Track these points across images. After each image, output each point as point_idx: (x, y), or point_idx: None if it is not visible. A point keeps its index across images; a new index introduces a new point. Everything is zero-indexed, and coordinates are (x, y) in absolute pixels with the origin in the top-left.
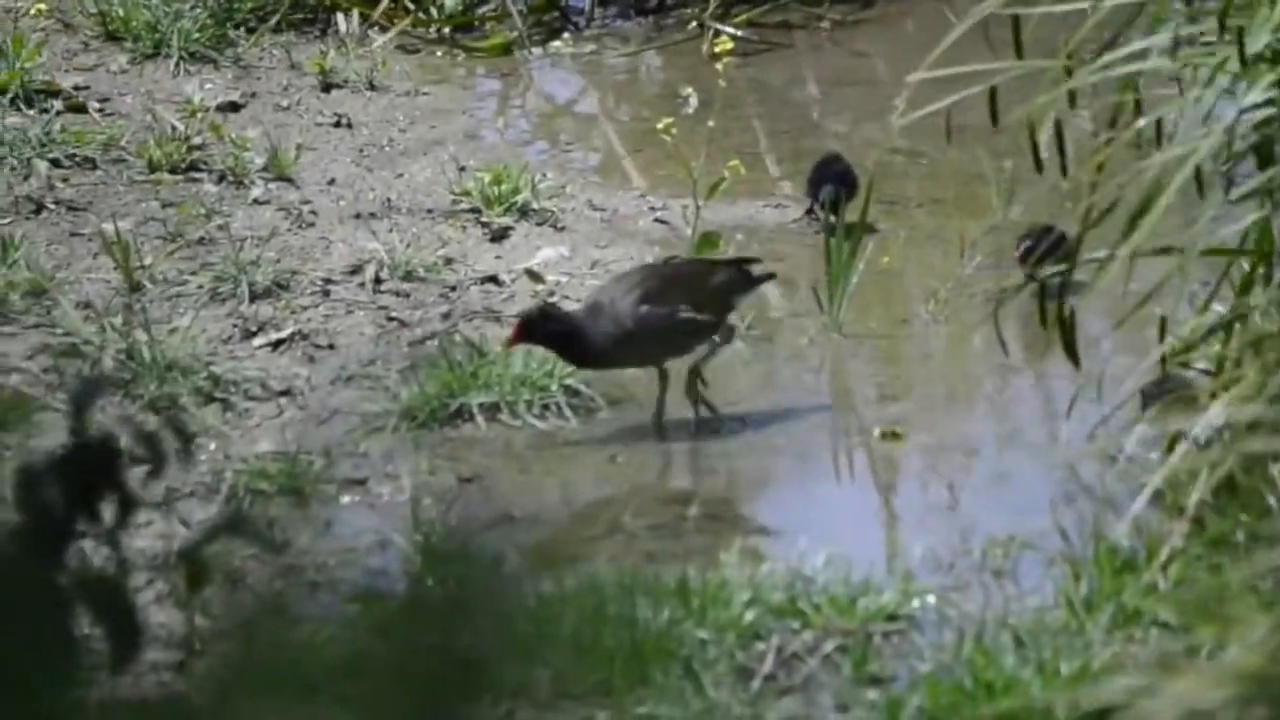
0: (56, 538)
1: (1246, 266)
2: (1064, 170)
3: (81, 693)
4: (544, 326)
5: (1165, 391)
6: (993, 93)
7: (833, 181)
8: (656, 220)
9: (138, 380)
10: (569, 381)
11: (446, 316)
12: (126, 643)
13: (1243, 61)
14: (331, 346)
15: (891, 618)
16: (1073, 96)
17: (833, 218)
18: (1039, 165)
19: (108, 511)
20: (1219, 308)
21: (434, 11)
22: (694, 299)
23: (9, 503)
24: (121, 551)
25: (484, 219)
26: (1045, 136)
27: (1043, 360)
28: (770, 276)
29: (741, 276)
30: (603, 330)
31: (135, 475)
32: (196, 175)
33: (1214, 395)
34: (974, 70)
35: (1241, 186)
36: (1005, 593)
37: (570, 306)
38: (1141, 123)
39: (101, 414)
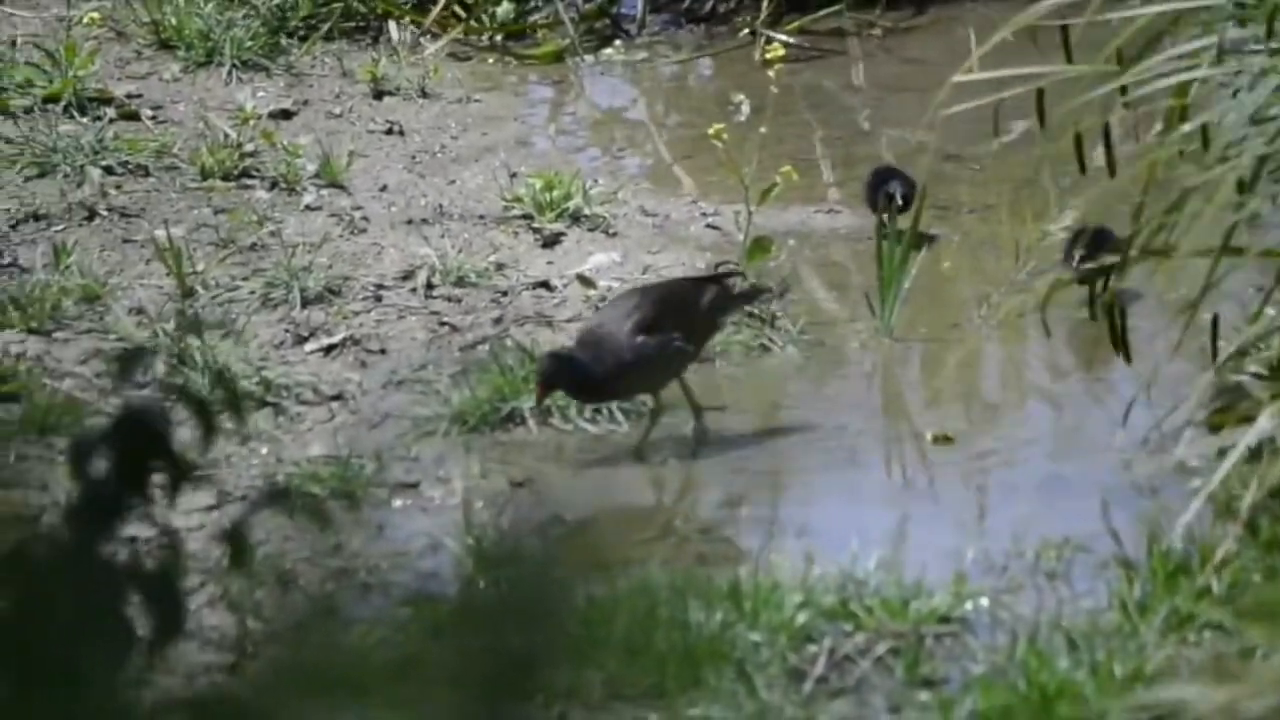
0: (108, 512)
1: None
2: (1111, 172)
3: (133, 683)
4: (564, 376)
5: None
6: (1039, 94)
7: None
8: (708, 226)
9: (189, 385)
10: None
11: (498, 321)
12: (170, 619)
13: None
14: (383, 351)
15: (944, 620)
16: (1122, 94)
17: (890, 216)
18: (1083, 168)
19: (158, 483)
20: (1272, 311)
21: (486, 19)
22: (686, 322)
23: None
24: (171, 527)
25: (536, 225)
26: (1093, 140)
27: (1095, 364)
28: (761, 291)
29: (726, 294)
30: (604, 364)
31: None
32: (249, 182)
33: (1271, 399)
34: (1022, 73)
35: None
36: (1058, 595)
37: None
38: (1188, 127)
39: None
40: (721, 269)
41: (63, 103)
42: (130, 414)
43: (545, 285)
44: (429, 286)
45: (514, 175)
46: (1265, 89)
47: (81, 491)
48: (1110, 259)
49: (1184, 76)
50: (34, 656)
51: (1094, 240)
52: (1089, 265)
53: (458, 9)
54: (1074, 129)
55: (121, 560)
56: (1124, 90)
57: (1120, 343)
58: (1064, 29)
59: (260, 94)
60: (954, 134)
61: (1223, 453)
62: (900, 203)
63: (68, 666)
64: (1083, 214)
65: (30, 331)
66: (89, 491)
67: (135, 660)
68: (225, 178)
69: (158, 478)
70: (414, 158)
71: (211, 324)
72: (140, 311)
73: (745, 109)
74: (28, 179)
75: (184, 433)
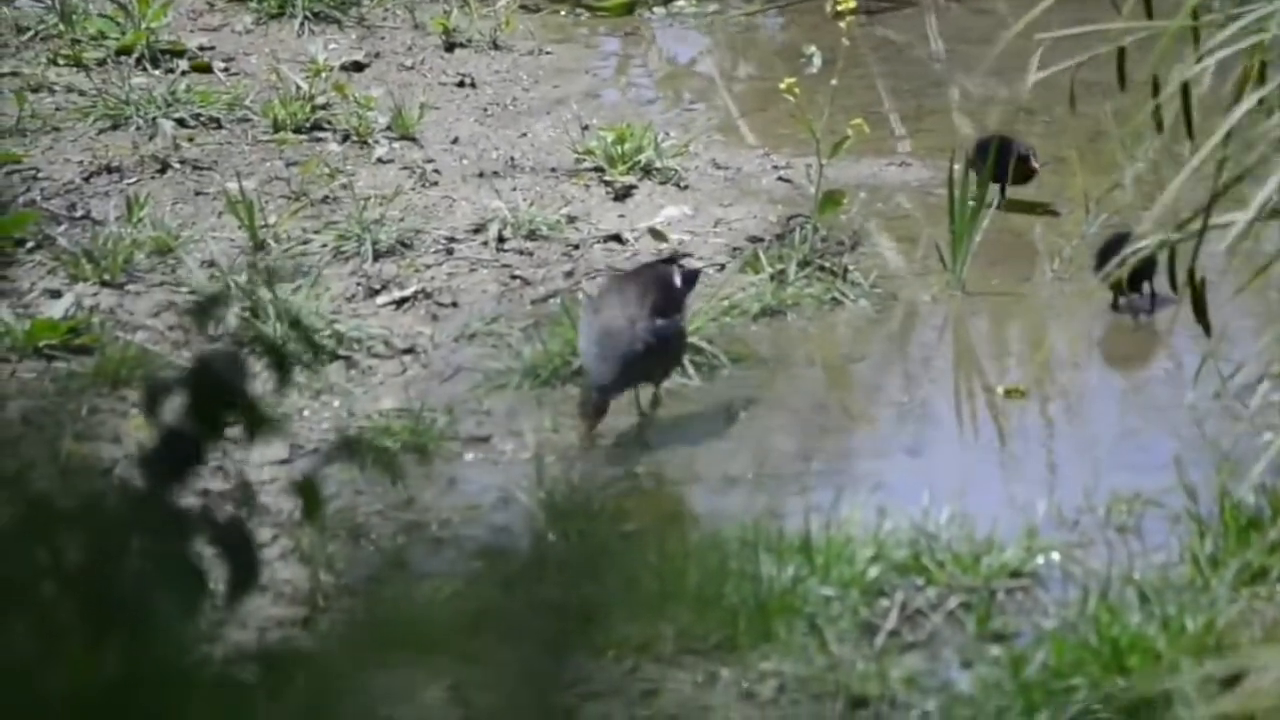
0: (183, 460)
1: None
2: (1189, 132)
3: (204, 635)
4: (605, 401)
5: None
6: (1120, 53)
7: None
8: (780, 179)
9: (262, 338)
10: (692, 339)
11: (569, 274)
12: (245, 571)
13: None
14: (455, 304)
15: (1015, 574)
16: (1198, 51)
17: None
18: (1160, 126)
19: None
20: None
21: None
22: (676, 304)
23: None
24: (244, 476)
25: (607, 178)
26: (1170, 96)
27: (1167, 318)
28: (698, 272)
29: (691, 275)
30: (621, 356)
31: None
32: (320, 135)
33: None
34: (1100, 29)
35: None
36: (1130, 550)
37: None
38: (1269, 88)
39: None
40: (792, 223)
41: (135, 55)
42: (206, 361)
43: (617, 238)
44: (500, 239)
45: (585, 128)
46: None
47: (156, 438)
48: (1141, 253)
49: (1259, 35)
50: (107, 607)
51: (1111, 247)
52: (1115, 274)
53: None
54: (1151, 86)
55: (196, 510)
56: (1198, 46)
57: (1202, 313)
58: None
59: (332, 46)
60: (1025, 85)
61: None
62: (1035, 165)
63: (141, 618)
64: (1154, 170)
65: (103, 284)
66: (163, 438)
67: (209, 612)
68: (297, 130)
69: (233, 426)
70: (485, 110)
71: (285, 275)
72: (212, 264)
73: (816, 61)
74: (100, 131)
75: (258, 383)
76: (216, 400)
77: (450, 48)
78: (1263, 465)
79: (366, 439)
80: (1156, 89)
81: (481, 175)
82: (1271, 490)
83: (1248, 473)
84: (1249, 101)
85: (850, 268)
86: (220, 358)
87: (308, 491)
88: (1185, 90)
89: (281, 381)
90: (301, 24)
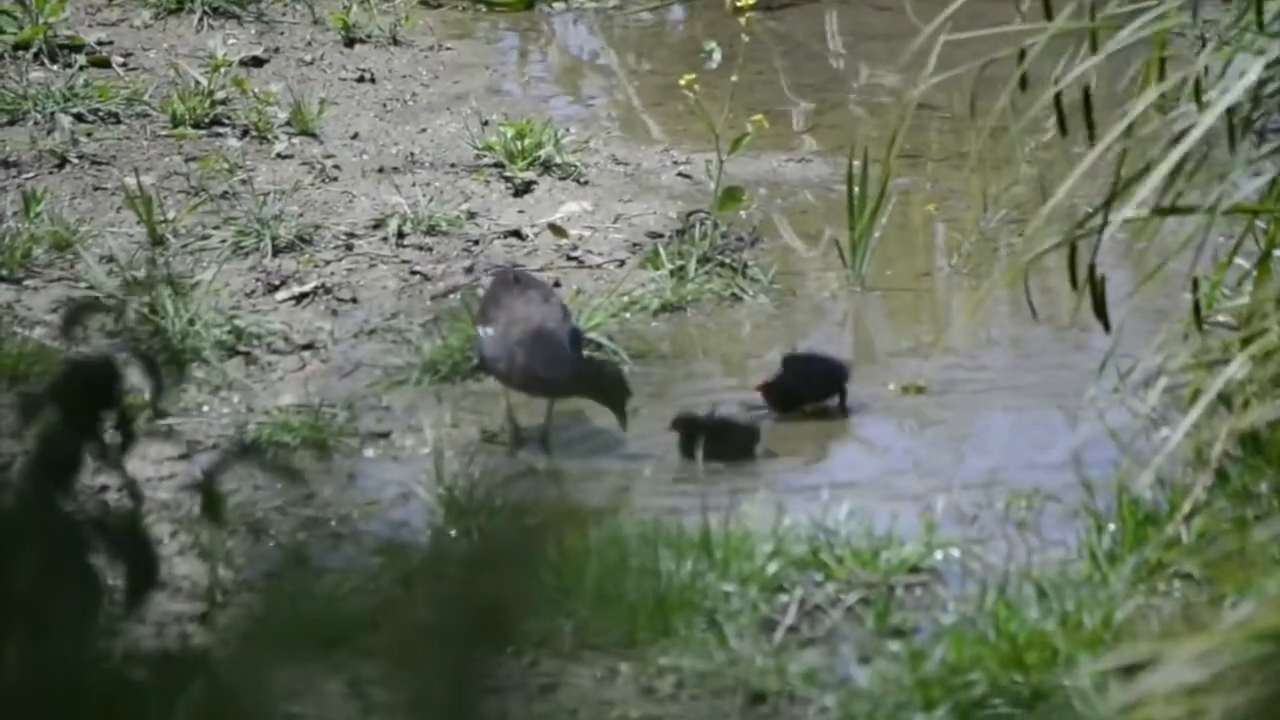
0: (63, 465)
1: (1268, 223)
2: (1090, 133)
3: (102, 636)
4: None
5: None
6: (1021, 55)
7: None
8: (680, 175)
9: (160, 334)
10: (592, 335)
11: (469, 270)
12: (142, 575)
13: (1259, 25)
14: (354, 300)
15: (914, 570)
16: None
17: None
18: (1064, 128)
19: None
20: (1242, 261)
21: None
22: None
23: (11, 434)
24: (130, 478)
25: (507, 173)
26: (1069, 93)
27: (1065, 314)
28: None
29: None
30: (551, 360)
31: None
32: (220, 130)
33: (1240, 347)
34: (1001, 31)
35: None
36: (1028, 545)
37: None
38: (1166, 85)
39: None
40: (693, 218)
41: (33, 49)
42: (77, 367)
43: (517, 234)
44: (400, 235)
45: (485, 123)
46: (1238, 46)
47: (34, 446)
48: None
49: (1155, 27)
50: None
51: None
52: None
53: None
54: (1052, 86)
55: (87, 512)
56: (1095, 42)
57: (1101, 311)
58: None
59: (231, 41)
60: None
61: (1193, 401)
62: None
63: (36, 623)
64: (1053, 168)
65: (0, 279)
66: (41, 445)
67: (106, 613)
68: (196, 125)
69: (110, 432)
70: (385, 105)
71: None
72: (111, 259)
73: (716, 57)
74: None
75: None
76: (89, 407)
77: (350, 43)
78: (1159, 460)
79: (266, 437)
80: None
81: (381, 171)
82: (1169, 485)
83: (1145, 468)
84: (1149, 96)
85: (750, 263)
86: (92, 364)
87: (208, 493)
88: (1086, 91)
89: (159, 387)
90: (200, 19)
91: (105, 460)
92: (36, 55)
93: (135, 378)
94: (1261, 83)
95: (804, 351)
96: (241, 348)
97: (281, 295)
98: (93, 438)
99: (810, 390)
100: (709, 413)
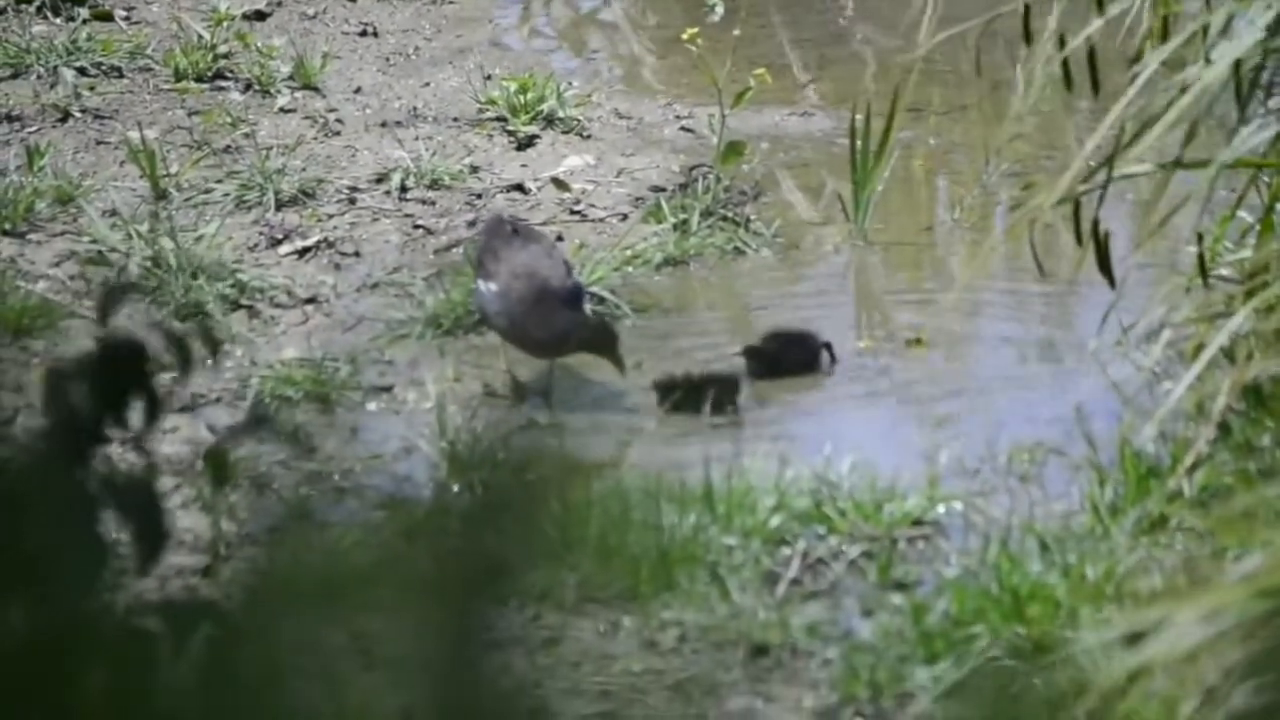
0: (85, 440)
1: (1272, 177)
2: (1095, 88)
3: (109, 595)
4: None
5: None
6: (1026, 9)
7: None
8: (682, 129)
9: (164, 287)
10: (594, 289)
11: (472, 224)
12: (152, 542)
13: None
14: (357, 254)
15: (917, 523)
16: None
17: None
18: (1069, 83)
19: (135, 414)
20: (1246, 215)
21: None
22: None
23: (37, 406)
24: (149, 453)
25: (510, 127)
26: (1074, 50)
27: (1069, 267)
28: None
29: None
30: (550, 324)
31: (163, 379)
32: (223, 84)
33: (1244, 299)
34: None
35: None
36: (1031, 498)
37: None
38: (1174, 43)
39: (129, 319)
40: (695, 172)
41: (35, 3)
42: (109, 346)
43: (519, 188)
44: (403, 189)
45: (488, 78)
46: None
47: (59, 420)
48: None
49: None
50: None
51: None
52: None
53: None
54: (1058, 42)
55: (100, 478)
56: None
57: (1105, 266)
58: None
59: None
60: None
61: (1195, 355)
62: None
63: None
64: (1052, 120)
65: (4, 233)
66: (62, 419)
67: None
68: (199, 79)
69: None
70: (388, 59)
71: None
72: (114, 213)
73: (719, 10)
74: (0, 80)
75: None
76: (118, 387)
77: None
78: (1162, 414)
79: (278, 412)
80: (1063, 44)
81: (384, 125)
82: (1171, 439)
83: (1148, 421)
84: (1158, 57)
85: (753, 217)
86: (120, 349)
87: (217, 462)
88: (1091, 51)
89: (184, 369)
90: None
91: (126, 440)
92: (39, 9)
93: (165, 357)
94: (1270, 33)
95: (785, 328)
96: (244, 302)
97: (284, 249)
98: (117, 418)
99: (790, 364)
100: (685, 372)
